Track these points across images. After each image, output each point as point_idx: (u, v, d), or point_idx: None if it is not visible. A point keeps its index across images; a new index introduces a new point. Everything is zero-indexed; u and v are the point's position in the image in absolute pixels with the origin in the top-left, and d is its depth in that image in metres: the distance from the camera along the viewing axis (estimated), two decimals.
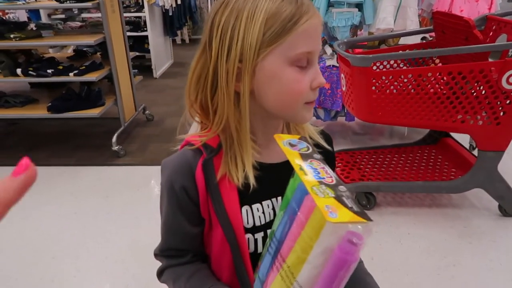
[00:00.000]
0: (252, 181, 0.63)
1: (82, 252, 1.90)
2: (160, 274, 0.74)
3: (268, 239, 0.55)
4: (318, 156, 0.51)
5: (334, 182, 0.46)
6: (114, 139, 2.81)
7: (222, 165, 0.65)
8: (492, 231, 1.95)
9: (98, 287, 1.70)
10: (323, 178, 0.46)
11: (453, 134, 2.46)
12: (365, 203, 2.12)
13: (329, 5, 2.52)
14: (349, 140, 3.02)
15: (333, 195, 0.43)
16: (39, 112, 2.80)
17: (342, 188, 0.45)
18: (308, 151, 0.52)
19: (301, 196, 0.46)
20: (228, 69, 0.60)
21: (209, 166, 0.65)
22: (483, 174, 1.96)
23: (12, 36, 2.70)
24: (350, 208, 0.42)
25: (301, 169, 0.47)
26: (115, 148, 2.80)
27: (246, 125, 0.63)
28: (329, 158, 0.73)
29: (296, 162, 0.49)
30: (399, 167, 2.27)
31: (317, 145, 0.72)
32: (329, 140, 0.78)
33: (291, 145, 0.52)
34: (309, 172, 0.47)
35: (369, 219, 0.41)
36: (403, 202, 2.21)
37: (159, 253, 0.74)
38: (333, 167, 0.80)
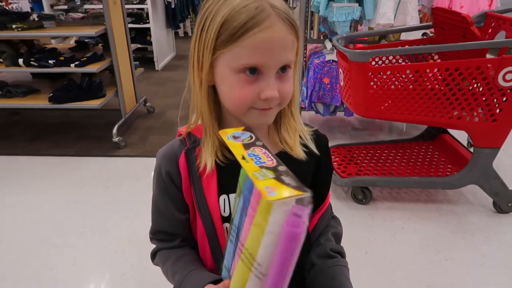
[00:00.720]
0: (208, 167, 0.66)
1: (81, 242, 1.93)
2: (153, 256, 0.79)
3: (229, 230, 0.58)
4: (260, 142, 0.55)
5: (274, 164, 0.50)
6: (114, 130, 2.84)
7: (201, 154, 0.69)
8: (486, 227, 1.97)
9: (97, 276, 1.74)
10: (264, 162, 0.50)
11: (451, 131, 2.47)
12: (361, 197, 2.14)
13: None
14: (348, 135, 3.03)
15: (273, 176, 0.47)
16: (41, 102, 2.83)
17: (281, 168, 0.49)
18: (251, 140, 0.55)
19: (251, 183, 0.49)
20: (195, 56, 0.64)
21: (191, 155, 0.69)
22: (479, 171, 1.97)
23: (14, 26, 2.72)
24: (288, 185, 0.45)
25: (243, 158, 0.51)
26: (116, 139, 2.83)
27: (206, 116, 0.67)
28: (315, 160, 0.75)
29: (239, 152, 0.52)
30: (396, 163, 2.29)
31: (304, 146, 0.73)
32: (322, 142, 0.78)
33: (235, 137, 0.56)
34: (251, 160, 0.50)
35: (305, 191, 0.44)
36: (399, 197, 2.23)
37: (152, 236, 0.79)
38: (326, 171, 0.80)
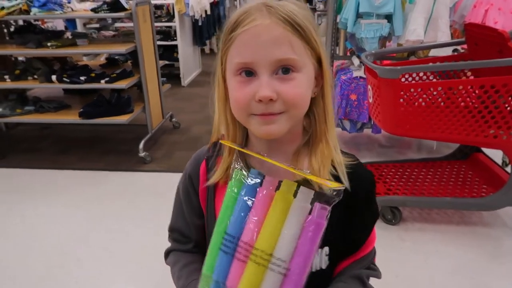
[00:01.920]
0: (213, 178, 0.67)
1: (106, 255, 1.93)
2: (166, 255, 0.81)
3: (215, 243, 0.57)
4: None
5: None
6: (141, 145, 2.87)
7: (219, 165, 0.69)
8: None
9: None
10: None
11: (485, 150, 2.37)
12: (390, 217, 2.07)
13: (358, 16, 2.50)
14: (375, 152, 2.96)
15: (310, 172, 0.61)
16: (71, 117, 2.90)
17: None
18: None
19: (253, 190, 0.56)
20: (217, 73, 0.65)
21: (212, 162, 0.70)
22: None
23: (49, 44, 2.82)
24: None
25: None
26: (142, 154, 2.86)
27: (222, 130, 0.67)
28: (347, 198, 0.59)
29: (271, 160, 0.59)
30: (427, 182, 2.20)
31: (336, 178, 0.65)
32: (363, 179, 0.68)
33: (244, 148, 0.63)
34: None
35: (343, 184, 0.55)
36: (430, 218, 2.14)
37: (169, 233, 0.81)
38: (363, 215, 0.69)
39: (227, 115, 0.66)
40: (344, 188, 0.54)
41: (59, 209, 2.34)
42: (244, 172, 0.58)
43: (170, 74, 4.91)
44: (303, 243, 0.52)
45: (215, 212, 0.68)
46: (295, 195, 0.54)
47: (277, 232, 0.53)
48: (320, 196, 0.54)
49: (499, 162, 2.36)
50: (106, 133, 3.45)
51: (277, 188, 0.55)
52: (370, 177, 0.70)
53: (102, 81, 2.82)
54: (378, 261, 0.77)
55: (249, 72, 0.59)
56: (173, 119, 3.53)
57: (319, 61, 0.63)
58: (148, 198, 2.43)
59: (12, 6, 2.74)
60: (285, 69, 0.58)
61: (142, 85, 2.94)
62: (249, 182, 0.57)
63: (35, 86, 3.09)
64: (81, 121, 2.86)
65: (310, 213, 0.53)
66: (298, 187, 0.54)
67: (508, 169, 1.96)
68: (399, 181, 2.23)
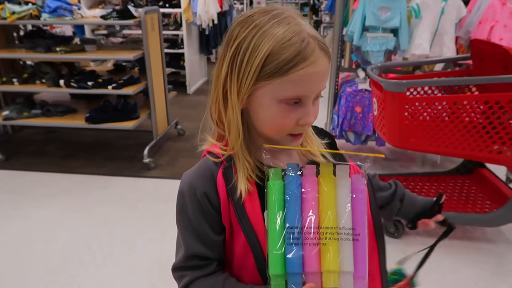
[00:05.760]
0: (243, 193, 0.66)
1: (109, 261, 1.94)
2: None
3: (275, 241, 0.59)
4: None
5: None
6: (145, 151, 2.89)
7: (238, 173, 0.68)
8: None
9: None
10: None
11: (489, 165, 2.37)
12: (392, 231, 2.06)
13: (364, 29, 2.53)
14: (379, 165, 2.97)
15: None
16: (77, 122, 2.92)
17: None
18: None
19: (297, 181, 0.62)
20: (232, 83, 0.64)
21: (229, 173, 0.68)
22: None
23: (58, 49, 2.86)
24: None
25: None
26: (146, 160, 2.87)
27: (239, 140, 0.67)
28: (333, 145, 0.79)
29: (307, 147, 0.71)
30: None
31: (323, 156, 0.76)
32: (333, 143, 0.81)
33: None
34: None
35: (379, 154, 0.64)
36: (433, 232, 2.11)
37: (183, 264, 0.70)
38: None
39: (243, 126, 0.67)
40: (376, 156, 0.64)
41: (62, 213, 2.35)
42: (278, 169, 0.63)
43: (176, 82, 4.95)
44: (356, 210, 0.61)
45: (249, 218, 0.66)
46: (334, 174, 0.62)
47: (334, 208, 0.60)
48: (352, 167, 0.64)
49: (503, 178, 2.36)
50: (112, 139, 3.47)
51: (317, 172, 0.63)
52: (328, 133, 0.82)
53: (109, 87, 2.84)
54: None
55: (295, 101, 0.63)
56: (178, 126, 3.55)
57: None
58: (151, 204, 2.44)
59: (23, 11, 2.78)
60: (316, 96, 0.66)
61: (148, 91, 2.96)
62: (291, 175, 0.62)
63: (42, 90, 3.12)
64: (87, 125, 2.88)
65: (351, 184, 0.62)
66: (334, 166, 0.63)
67: None
68: None
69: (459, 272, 1.83)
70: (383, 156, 0.63)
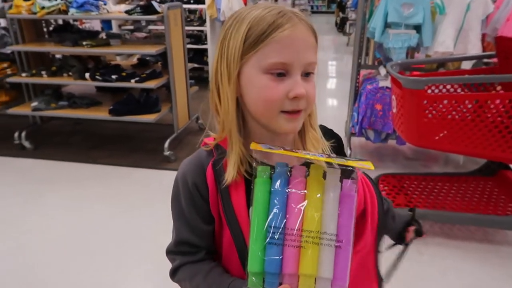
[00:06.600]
0: (229, 179, 0.66)
1: (123, 251, 1.99)
2: (174, 272, 0.74)
3: (257, 239, 0.58)
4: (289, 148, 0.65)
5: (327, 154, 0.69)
6: (166, 144, 2.95)
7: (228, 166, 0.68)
8: None
9: (135, 286, 1.78)
10: (321, 155, 0.63)
11: None
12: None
13: (386, 25, 2.49)
14: (400, 164, 2.92)
15: (342, 158, 0.62)
16: (102, 114, 3.01)
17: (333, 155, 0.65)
18: (287, 149, 0.63)
19: (284, 181, 0.60)
20: (222, 72, 0.66)
21: (219, 166, 0.69)
22: None
23: (84, 43, 2.95)
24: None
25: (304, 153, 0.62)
26: (167, 153, 2.93)
27: (233, 128, 0.67)
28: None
29: (297, 152, 0.62)
30: (450, 197, 2.16)
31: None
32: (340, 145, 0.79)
33: (270, 148, 0.62)
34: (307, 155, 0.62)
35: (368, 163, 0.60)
36: (451, 233, 2.09)
37: (174, 249, 0.75)
38: None
39: (237, 115, 0.68)
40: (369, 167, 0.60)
41: (84, 201, 2.43)
42: (267, 166, 0.61)
43: (200, 77, 5.00)
44: (343, 216, 0.59)
45: (235, 212, 0.67)
46: (324, 177, 0.60)
47: (319, 212, 0.58)
48: (344, 172, 0.60)
49: None
50: (134, 132, 3.56)
51: (306, 174, 0.61)
52: (339, 137, 0.81)
53: (132, 81, 2.91)
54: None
55: (280, 73, 0.63)
56: (199, 121, 3.59)
57: None
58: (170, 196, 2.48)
59: (52, 6, 2.88)
60: (306, 72, 0.65)
61: (170, 86, 3.02)
62: (279, 174, 0.60)
63: (69, 83, 3.22)
64: (110, 118, 2.97)
65: (341, 189, 0.60)
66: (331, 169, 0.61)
67: None
68: (421, 194, 2.19)
69: (476, 274, 1.79)
70: (372, 168, 0.59)
